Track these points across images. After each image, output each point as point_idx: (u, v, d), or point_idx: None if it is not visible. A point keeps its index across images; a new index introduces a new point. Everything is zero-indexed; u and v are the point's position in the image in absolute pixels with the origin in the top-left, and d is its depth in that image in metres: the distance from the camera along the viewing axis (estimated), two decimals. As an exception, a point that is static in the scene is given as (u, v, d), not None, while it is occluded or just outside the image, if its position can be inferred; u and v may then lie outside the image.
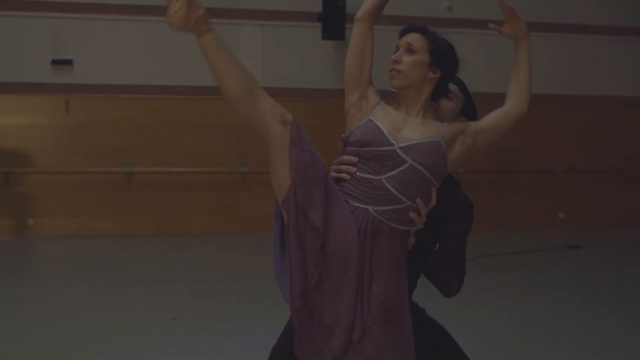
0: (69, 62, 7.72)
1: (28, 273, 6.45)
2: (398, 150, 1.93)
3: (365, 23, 2.03)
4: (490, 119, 2.08)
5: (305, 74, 8.39)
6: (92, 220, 7.90)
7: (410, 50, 2.01)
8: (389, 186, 1.92)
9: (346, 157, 1.99)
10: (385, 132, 1.96)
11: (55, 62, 7.69)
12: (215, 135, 8.09)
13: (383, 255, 1.91)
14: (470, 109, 2.30)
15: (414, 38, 2.03)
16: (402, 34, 2.07)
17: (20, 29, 7.67)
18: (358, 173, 1.95)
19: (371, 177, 1.93)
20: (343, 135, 2.05)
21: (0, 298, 5.11)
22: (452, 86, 2.21)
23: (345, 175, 1.96)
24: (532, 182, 8.74)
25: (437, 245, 2.29)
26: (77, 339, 4.10)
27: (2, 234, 7.74)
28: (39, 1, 7.66)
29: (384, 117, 2.00)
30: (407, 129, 1.99)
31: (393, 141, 1.94)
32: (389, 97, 2.19)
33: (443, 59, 2.03)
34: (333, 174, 2.00)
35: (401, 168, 1.92)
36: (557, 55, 8.72)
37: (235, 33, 8.02)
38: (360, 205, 1.92)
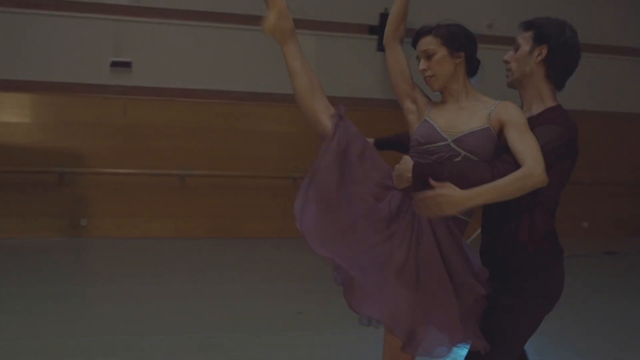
0: (127, 65, 7.80)
1: (97, 272, 6.51)
2: (451, 144, 2.17)
3: (391, 45, 2.33)
4: (512, 146, 2.08)
5: (358, 84, 8.60)
6: (145, 222, 7.97)
7: (428, 55, 2.23)
8: None
9: None
10: (439, 129, 2.21)
11: (114, 64, 7.75)
12: (269, 140, 8.28)
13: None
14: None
15: (425, 43, 2.24)
16: (414, 43, 2.30)
17: (81, 30, 7.72)
18: None
19: None
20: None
21: (73, 296, 5.25)
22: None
23: None
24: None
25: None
26: (146, 335, 4.22)
27: (53, 233, 7.74)
28: (101, 4, 7.73)
29: (437, 115, 2.24)
30: (458, 120, 2.20)
31: (446, 136, 2.17)
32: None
33: (458, 41, 2.22)
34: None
35: (457, 159, 2.15)
36: (586, 74, 9.23)
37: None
38: None
